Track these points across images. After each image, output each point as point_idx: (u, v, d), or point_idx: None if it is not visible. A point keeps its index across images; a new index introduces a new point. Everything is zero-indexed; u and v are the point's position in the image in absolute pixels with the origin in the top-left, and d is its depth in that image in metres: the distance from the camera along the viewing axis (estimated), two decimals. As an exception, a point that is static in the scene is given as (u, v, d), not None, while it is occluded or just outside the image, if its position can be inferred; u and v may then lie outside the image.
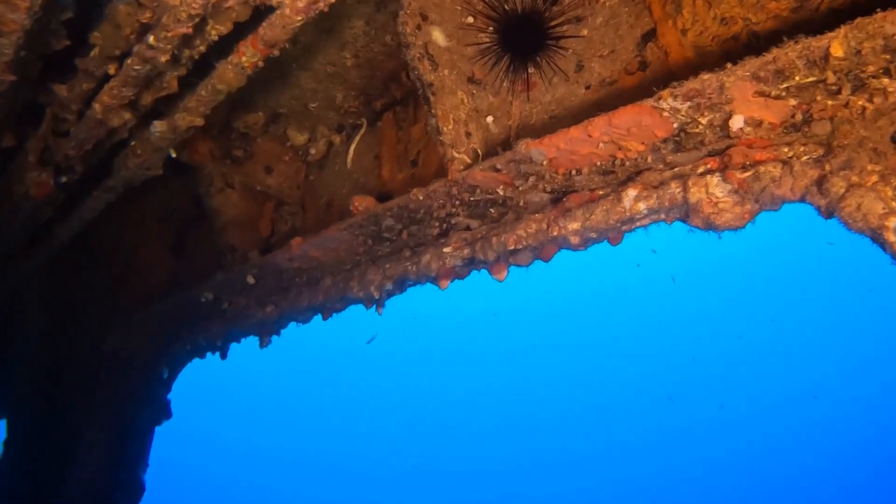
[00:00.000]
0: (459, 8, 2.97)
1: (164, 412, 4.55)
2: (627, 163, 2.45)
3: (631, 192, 2.37)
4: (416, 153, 3.49)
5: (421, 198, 2.80)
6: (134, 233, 5.22)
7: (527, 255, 2.69)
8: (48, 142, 3.31)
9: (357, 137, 3.92)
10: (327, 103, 3.88)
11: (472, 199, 2.77)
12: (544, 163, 2.48)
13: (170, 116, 3.08)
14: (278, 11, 2.40)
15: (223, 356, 4.22)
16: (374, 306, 3.26)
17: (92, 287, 5.35)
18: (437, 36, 2.81)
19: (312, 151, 4.15)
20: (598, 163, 2.47)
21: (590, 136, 2.33)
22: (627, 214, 2.37)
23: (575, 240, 2.51)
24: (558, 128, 2.87)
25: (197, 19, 2.44)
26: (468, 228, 2.96)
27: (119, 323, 4.93)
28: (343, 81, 3.69)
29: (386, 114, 3.78)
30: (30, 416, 4.87)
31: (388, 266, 3.14)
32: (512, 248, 2.65)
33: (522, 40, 2.99)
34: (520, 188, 2.65)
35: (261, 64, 2.69)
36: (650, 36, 2.71)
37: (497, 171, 2.57)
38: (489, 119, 2.92)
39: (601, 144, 2.37)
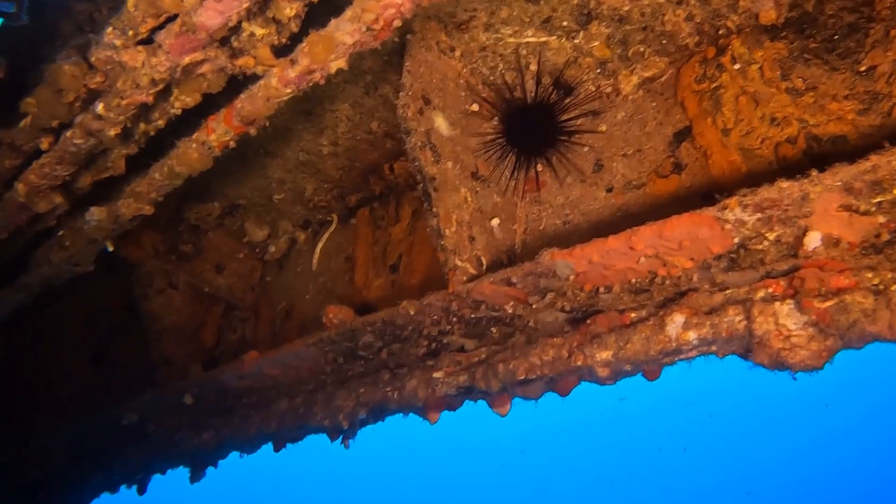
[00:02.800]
0: (463, 94, 2.60)
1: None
2: (668, 281, 2.02)
3: (678, 318, 1.93)
4: (396, 257, 3.02)
5: (412, 312, 2.31)
6: (49, 337, 4.51)
7: (539, 386, 2.20)
8: (-48, 227, 2.73)
9: (325, 235, 3.44)
10: (295, 196, 3.41)
11: (473, 316, 2.28)
12: (570, 278, 2.04)
13: (111, 203, 2.55)
14: (262, 82, 1.96)
15: (141, 491, 3.49)
16: (341, 438, 2.68)
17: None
18: (441, 123, 2.41)
19: (272, 249, 3.63)
20: (634, 280, 2.04)
21: (632, 248, 1.91)
22: (673, 345, 1.92)
23: (604, 372, 2.04)
24: (574, 235, 2.46)
25: (160, 86, 1.97)
26: (462, 349, 2.46)
27: (18, 447, 4.14)
28: (316, 172, 3.25)
29: (361, 210, 3.33)
30: None
31: (362, 390, 2.58)
32: (522, 377, 2.15)
33: (531, 134, 2.63)
34: (533, 306, 2.19)
35: (232, 144, 2.23)
36: (684, 135, 2.37)
37: (511, 284, 2.11)
38: (495, 222, 2.49)
39: (642, 259, 1.95)
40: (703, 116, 2.31)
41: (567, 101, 2.65)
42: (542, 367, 2.11)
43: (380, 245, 3.13)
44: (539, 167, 2.64)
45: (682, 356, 1.97)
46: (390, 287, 2.96)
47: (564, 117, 2.61)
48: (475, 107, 2.63)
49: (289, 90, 1.95)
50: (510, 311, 2.23)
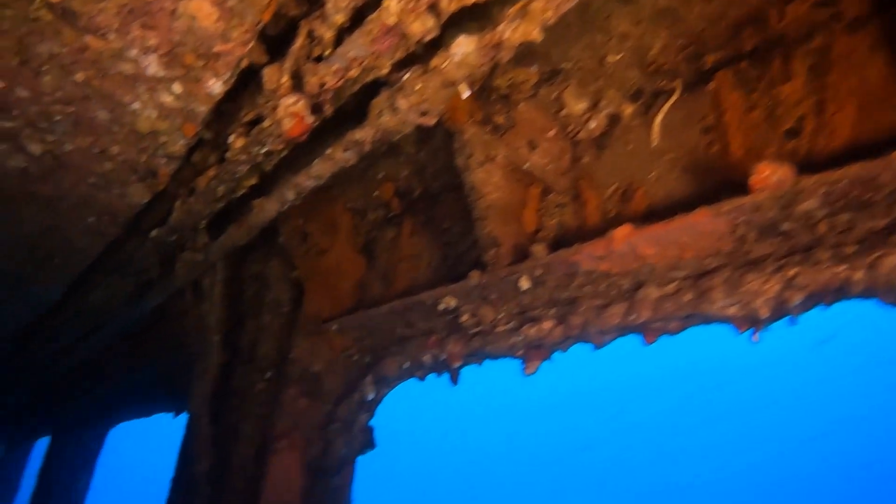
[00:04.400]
0: None
1: (367, 441, 3.64)
2: None
3: None
4: (794, 119, 2.44)
5: (912, 163, 1.76)
6: (322, 226, 4.42)
7: None
8: (299, 66, 2.48)
9: (667, 105, 2.92)
10: (634, 56, 2.91)
11: None
12: None
13: (485, 28, 2.16)
14: None
15: (454, 380, 3.28)
16: (751, 331, 2.22)
17: (269, 287, 4.59)
18: None
19: (591, 125, 3.18)
20: None
21: None
22: None
23: None
24: None
25: None
26: (948, 221, 1.88)
27: (306, 333, 4.10)
28: (673, 23, 2.72)
29: (720, 73, 2.76)
30: (210, 427, 4.09)
31: (793, 272, 2.09)
32: None
33: None
34: None
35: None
36: None
37: None
38: None
39: None
40: None
41: None
42: None
43: (760, 109, 2.57)
44: None
45: None
46: (789, 155, 2.40)
47: None
48: None
49: None
50: None
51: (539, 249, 2.70)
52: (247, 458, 3.88)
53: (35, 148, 3.07)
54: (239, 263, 4.97)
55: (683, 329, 2.40)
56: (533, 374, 2.86)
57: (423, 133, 3.58)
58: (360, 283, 4.20)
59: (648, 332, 2.47)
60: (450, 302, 3.07)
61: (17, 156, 3.17)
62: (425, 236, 3.94)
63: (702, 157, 2.71)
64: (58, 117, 2.83)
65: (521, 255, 2.83)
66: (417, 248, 3.96)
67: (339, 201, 4.34)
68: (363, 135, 2.72)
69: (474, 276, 2.93)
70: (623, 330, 2.55)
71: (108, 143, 2.92)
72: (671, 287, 2.43)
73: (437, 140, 3.63)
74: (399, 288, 3.82)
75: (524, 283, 2.76)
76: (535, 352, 2.85)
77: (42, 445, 8.64)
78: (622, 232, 2.38)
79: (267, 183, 3.44)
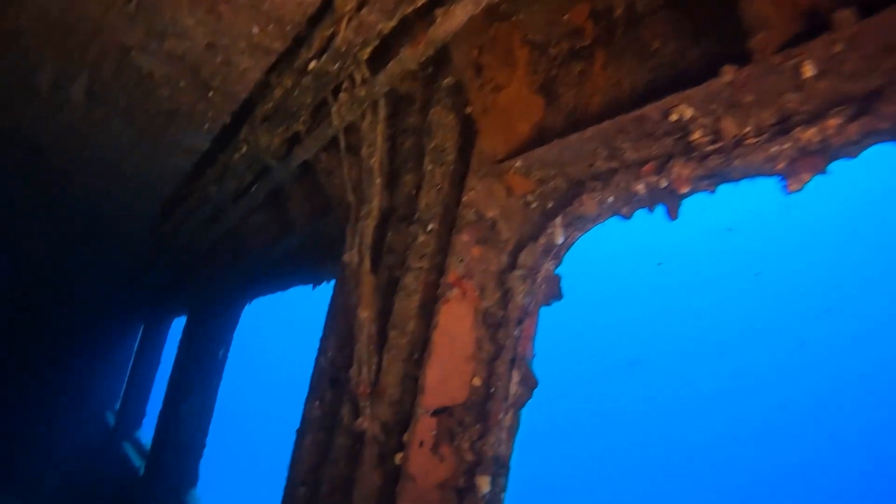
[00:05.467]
0: None
1: (553, 292, 3.19)
2: None
3: None
4: None
5: None
6: (498, 59, 3.89)
7: None
8: None
9: None
10: None
11: None
12: None
13: None
14: None
15: (674, 213, 2.72)
16: None
17: (430, 135, 4.15)
18: None
19: None
20: None
21: None
22: None
23: None
24: None
25: None
26: None
27: (480, 175, 3.65)
28: None
29: None
30: (371, 276, 3.77)
31: None
32: None
33: None
34: None
35: None
36: None
37: None
38: None
39: None
40: None
41: None
42: None
43: None
44: None
45: None
46: None
47: None
48: None
49: None
50: None
51: (845, 16, 2.04)
52: (411, 309, 3.53)
53: (204, -80, 2.68)
54: (392, 115, 4.57)
55: None
56: (798, 190, 2.24)
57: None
58: (540, 125, 3.68)
59: None
60: (685, 112, 2.48)
61: (182, -63, 2.79)
62: (625, 63, 3.32)
63: None
64: None
65: (806, 32, 2.18)
66: (615, 78, 3.36)
67: (518, 32, 3.79)
68: None
69: (728, 72, 2.30)
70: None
71: None
72: None
73: (658, -69, 2.98)
74: (594, 115, 3.26)
75: (807, 70, 2.12)
76: (807, 161, 2.22)
77: (181, 322, 8.88)
78: None
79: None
